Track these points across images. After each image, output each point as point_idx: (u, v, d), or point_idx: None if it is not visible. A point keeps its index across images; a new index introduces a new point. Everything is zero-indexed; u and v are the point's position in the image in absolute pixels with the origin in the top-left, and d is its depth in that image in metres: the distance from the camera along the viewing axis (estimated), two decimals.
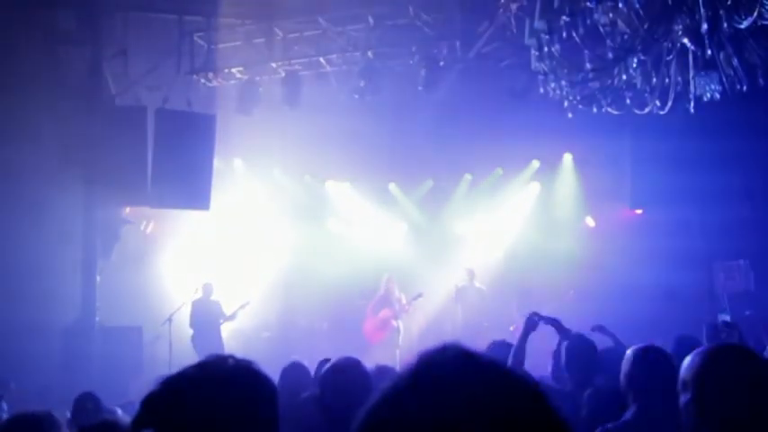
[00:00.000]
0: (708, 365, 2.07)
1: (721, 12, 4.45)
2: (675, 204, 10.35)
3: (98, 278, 8.94)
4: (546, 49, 5.12)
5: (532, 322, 4.25)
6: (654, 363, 2.93)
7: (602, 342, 5.08)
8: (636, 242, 11.32)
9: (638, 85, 5.54)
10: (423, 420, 0.79)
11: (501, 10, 8.00)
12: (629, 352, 3.09)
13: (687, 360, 2.16)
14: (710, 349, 2.16)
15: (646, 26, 4.67)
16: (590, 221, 12.47)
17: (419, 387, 0.83)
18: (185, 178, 8.78)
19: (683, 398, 2.11)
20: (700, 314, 10.30)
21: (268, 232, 12.34)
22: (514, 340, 5.54)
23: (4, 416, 3.88)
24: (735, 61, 5.12)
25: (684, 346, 4.45)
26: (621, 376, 3.01)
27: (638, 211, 11.17)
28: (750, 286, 10.29)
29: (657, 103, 5.80)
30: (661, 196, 9.99)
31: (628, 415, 2.84)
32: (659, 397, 2.89)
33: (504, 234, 12.83)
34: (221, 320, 9.85)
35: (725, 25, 4.40)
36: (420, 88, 8.96)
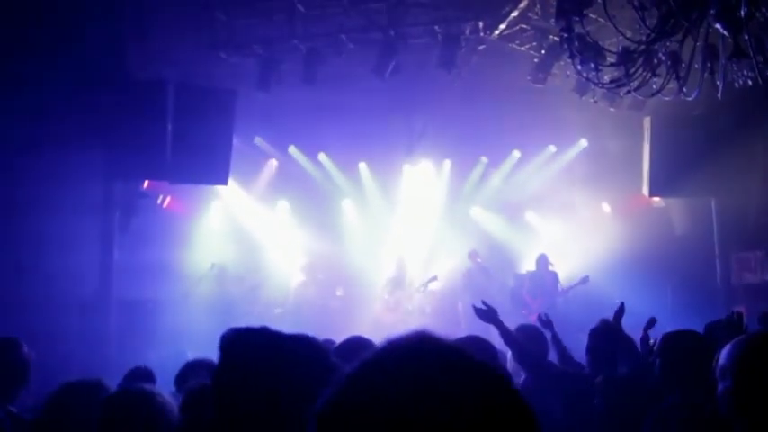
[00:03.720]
0: (748, 353, 2.05)
1: None
2: (694, 192, 10.26)
3: (116, 251, 9.00)
4: (574, 30, 5.06)
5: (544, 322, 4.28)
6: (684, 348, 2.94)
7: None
8: (651, 230, 11.28)
9: (667, 72, 5.47)
10: (382, 406, 0.78)
11: None
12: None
13: (726, 348, 2.14)
14: (750, 337, 2.14)
15: (678, 10, 4.59)
16: (606, 207, 12.42)
17: (381, 373, 0.82)
18: (204, 153, 8.79)
19: (722, 386, 2.10)
20: (715, 305, 10.28)
21: (283, 211, 12.38)
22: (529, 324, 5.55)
23: None
24: (766, 47, 5.03)
25: (713, 333, 4.42)
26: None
27: (656, 199, 11.08)
28: (766, 278, 10.22)
29: (684, 89, 5.72)
30: (680, 184, 9.90)
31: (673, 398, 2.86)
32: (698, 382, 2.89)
33: (519, 217, 12.81)
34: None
35: (763, 10, 4.31)
36: (440, 68, 8.88)
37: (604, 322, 4.19)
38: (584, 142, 12.45)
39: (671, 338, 3.04)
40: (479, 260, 11.36)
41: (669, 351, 2.96)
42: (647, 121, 10.14)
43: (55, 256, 7.84)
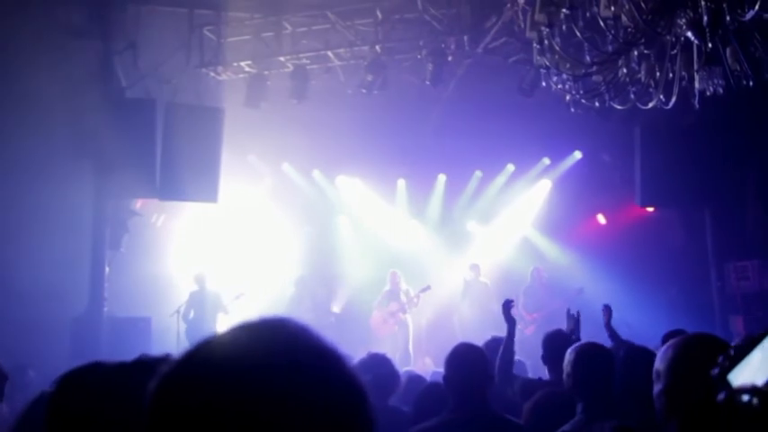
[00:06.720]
0: (680, 355, 2.05)
1: (724, 5, 4.39)
2: (687, 202, 10.23)
3: (107, 269, 9.04)
4: (547, 42, 5.09)
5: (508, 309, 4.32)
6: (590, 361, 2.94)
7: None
8: (647, 240, 11.24)
9: (643, 80, 5.49)
10: (200, 396, 0.76)
11: (508, 5, 7.95)
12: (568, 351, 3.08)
13: (661, 350, 2.15)
14: (683, 340, 2.14)
15: (648, 19, 4.62)
16: (601, 219, 12.39)
17: (213, 357, 0.80)
18: (194, 171, 8.86)
19: (656, 388, 2.09)
20: (712, 314, 10.20)
21: (277, 226, 12.40)
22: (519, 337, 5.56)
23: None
24: (740, 56, 5.05)
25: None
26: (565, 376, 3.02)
27: (649, 209, 11.05)
28: (765, 286, 10.14)
29: (662, 98, 5.74)
30: (672, 194, 9.88)
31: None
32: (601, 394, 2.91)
33: (514, 231, 12.80)
34: (221, 313, 9.88)
35: (728, 18, 4.34)
36: (428, 83, 8.94)
37: (558, 331, 4.22)
38: (578, 154, 12.46)
39: (582, 351, 3.03)
40: (480, 275, 11.37)
41: (580, 365, 2.95)
42: (637, 132, 10.14)
43: (45, 274, 7.89)
